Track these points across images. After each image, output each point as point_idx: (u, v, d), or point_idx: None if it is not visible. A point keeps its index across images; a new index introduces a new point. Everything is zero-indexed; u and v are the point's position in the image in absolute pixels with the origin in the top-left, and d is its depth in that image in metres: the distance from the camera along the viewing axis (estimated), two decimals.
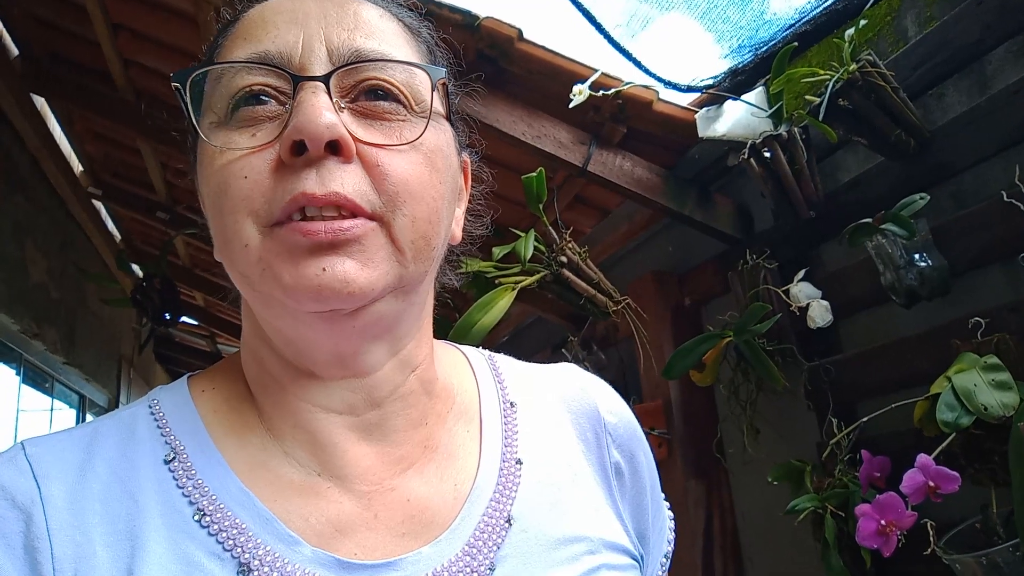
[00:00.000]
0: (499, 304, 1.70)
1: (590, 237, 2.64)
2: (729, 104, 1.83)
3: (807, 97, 1.47)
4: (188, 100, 0.53)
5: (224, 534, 0.50)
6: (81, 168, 3.75)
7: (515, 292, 1.74)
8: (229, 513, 0.51)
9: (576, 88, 1.69)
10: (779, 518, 1.64)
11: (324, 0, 0.55)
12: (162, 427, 0.55)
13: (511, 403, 0.67)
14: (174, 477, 0.53)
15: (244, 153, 0.50)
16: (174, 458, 0.53)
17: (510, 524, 0.57)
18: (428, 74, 0.54)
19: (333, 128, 0.48)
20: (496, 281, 1.77)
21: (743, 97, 1.78)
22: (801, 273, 1.67)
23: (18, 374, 4.06)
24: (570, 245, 1.89)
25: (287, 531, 0.52)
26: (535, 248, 1.89)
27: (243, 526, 0.51)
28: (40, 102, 3.07)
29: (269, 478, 0.54)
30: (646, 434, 2.24)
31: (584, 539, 0.60)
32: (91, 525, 0.49)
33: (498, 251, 1.83)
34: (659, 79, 1.79)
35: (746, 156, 1.67)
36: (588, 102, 1.76)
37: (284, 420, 0.56)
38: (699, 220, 2.06)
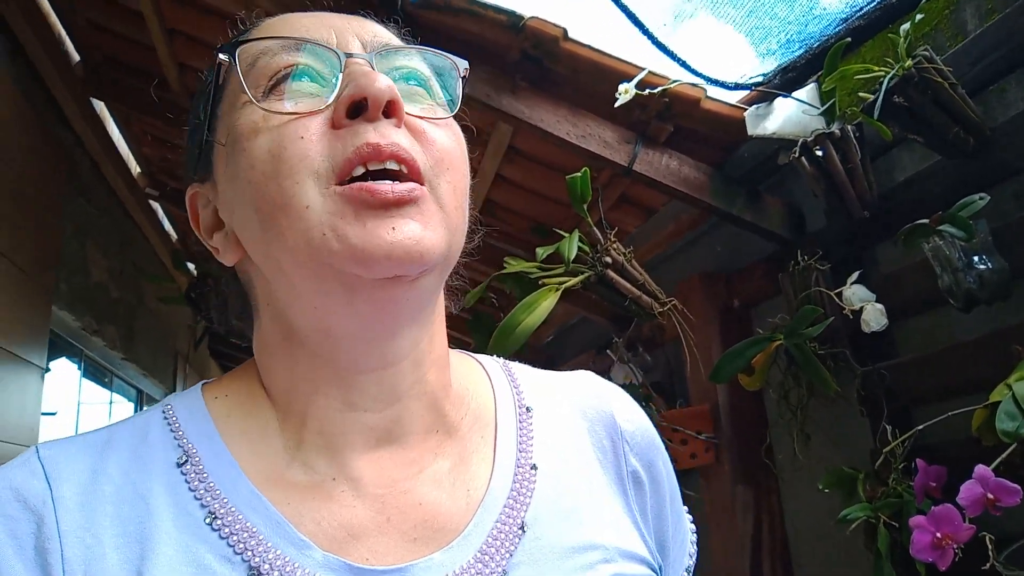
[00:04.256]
0: (543, 305, 1.69)
1: (635, 236, 2.61)
2: (780, 101, 1.79)
3: (860, 94, 1.43)
4: (239, 70, 0.53)
5: (235, 537, 0.51)
6: (139, 170, 3.87)
7: (559, 293, 1.73)
8: (240, 516, 0.52)
9: (622, 87, 1.67)
10: (831, 526, 1.60)
11: (345, 16, 0.60)
12: (175, 431, 0.56)
13: (527, 408, 0.66)
14: (186, 480, 0.53)
15: (295, 117, 0.51)
16: (186, 461, 0.54)
17: (524, 531, 0.57)
18: (456, 65, 0.59)
19: (391, 89, 0.51)
20: (540, 282, 1.76)
21: (794, 94, 1.73)
22: (855, 275, 1.62)
23: (79, 368, 4.21)
24: (615, 245, 1.87)
25: (298, 535, 0.51)
26: (579, 248, 1.87)
27: (254, 529, 0.51)
28: (99, 106, 3.18)
29: (282, 482, 0.54)
30: (693, 438, 2.19)
31: (599, 547, 0.58)
32: (102, 527, 0.50)
33: (542, 251, 1.82)
34: (705, 78, 1.76)
35: (797, 155, 1.63)
36: (634, 100, 1.74)
37: (308, 428, 0.56)
38: (748, 220, 2.02)
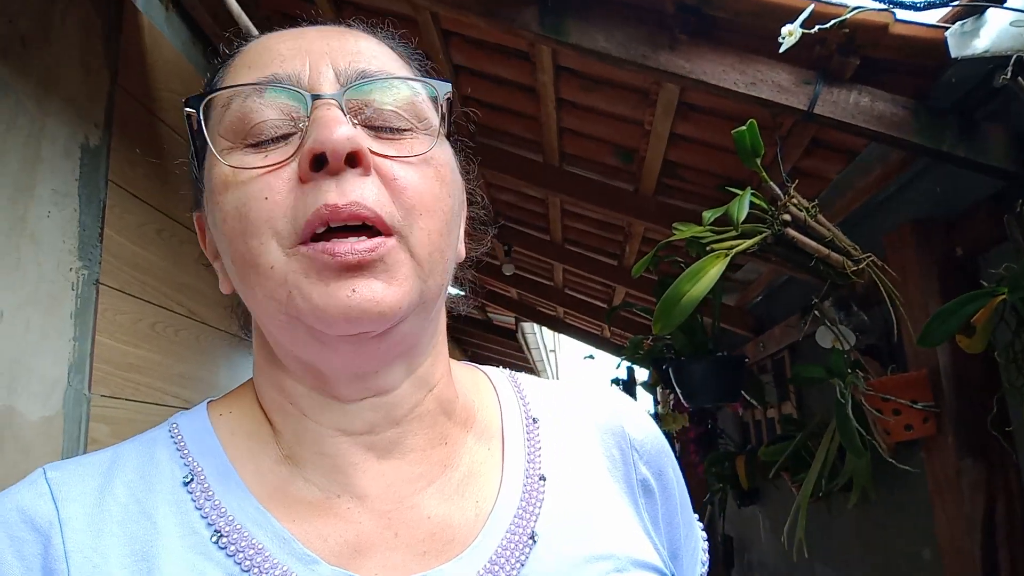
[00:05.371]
0: (710, 273, 1.59)
1: (837, 184, 2.36)
2: (992, 13, 1.50)
3: None
4: (203, 124, 0.53)
5: (241, 555, 0.51)
6: None
7: (728, 259, 1.61)
8: (246, 533, 0.52)
9: (785, 30, 1.51)
10: None
11: (325, 30, 0.57)
12: (181, 449, 0.56)
13: (533, 419, 0.65)
14: (192, 498, 0.53)
15: (261, 173, 0.50)
16: (192, 479, 0.54)
17: (534, 541, 0.56)
18: (436, 88, 0.56)
19: (353, 139, 0.49)
20: (708, 247, 1.66)
21: (1007, 3, 1.45)
22: None
23: None
24: (794, 200, 1.71)
25: (304, 550, 0.51)
26: (755, 206, 1.73)
27: (260, 546, 0.51)
28: None
29: (287, 500, 0.54)
30: (908, 408, 1.96)
31: (611, 556, 0.57)
32: (109, 547, 0.50)
33: (709, 215, 1.71)
34: (888, 0, 1.53)
35: (1009, 75, 1.37)
36: (811, 36, 1.56)
37: (303, 447, 0.56)
38: (962, 156, 1.73)
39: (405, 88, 0.55)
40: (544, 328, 7.77)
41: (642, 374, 4.64)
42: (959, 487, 1.79)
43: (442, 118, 0.58)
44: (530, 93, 2.52)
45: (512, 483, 0.59)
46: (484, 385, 0.68)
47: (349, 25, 0.60)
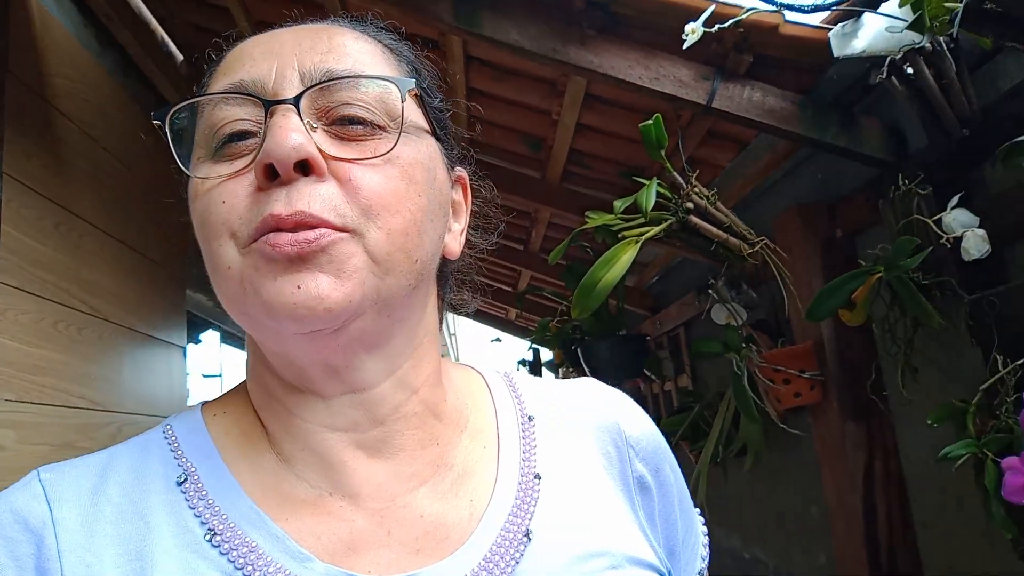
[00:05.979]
0: (623, 259, 1.68)
1: (729, 172, 2.52)
2: (868, 16, 1.66)
3: (947, 3, 1.30)
4: (169, 136, 0.54)
5: (235, 553, 0.51)
6: None
7: (639, 245, 1.71)
8: (240, 532, 0.52)
9: (688, 27, 1.61)
10: (947, 463, 1.53)
11: (299, 30, 0.57)
12: (175, 450, 0.57)
13: (529, 417, 0.65)
14: (186, 498, 0.54)
15: (223, 180, 0.52)
16: (186, 479, 0.54)
17: (529, 539, 0.56)
18: (398, 86, 0.54)
19: (300, 148, 0.49)
20: (619, 235, 1.75)
21: (882, 8, 1.60)
22: (955, 199, 1.51)
23: (219, 334, 4.66)
24: (696, 189, 1.83)
25: (298, 548, 0.52)
26: (661, 195, 1.84)
27: (254, 544, 0.52)
28: None
29: (280, 498, 0.55)
30: (796, 377, 2.12)
31: (606, 554, 0.58)
32: (102, 547, 0.51)
33: (620, 204, 1.81)
34: (779, 4, 1.66)
35: (885, 74, 1.52)
36: (709, 35, 1.67)
37: (293, 443, 0.56)
38: (843, 146, 1.90)
39: (372, 85, 0.54)
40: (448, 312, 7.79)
41: (546, 355, 4.76)
42: (843, 448, 1.98)
43: (424, 114, 0.58)
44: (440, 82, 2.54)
45: (507, 482, 0.60)
46: (478, 386, 0.68)
47: (334, 20, 0.60)
